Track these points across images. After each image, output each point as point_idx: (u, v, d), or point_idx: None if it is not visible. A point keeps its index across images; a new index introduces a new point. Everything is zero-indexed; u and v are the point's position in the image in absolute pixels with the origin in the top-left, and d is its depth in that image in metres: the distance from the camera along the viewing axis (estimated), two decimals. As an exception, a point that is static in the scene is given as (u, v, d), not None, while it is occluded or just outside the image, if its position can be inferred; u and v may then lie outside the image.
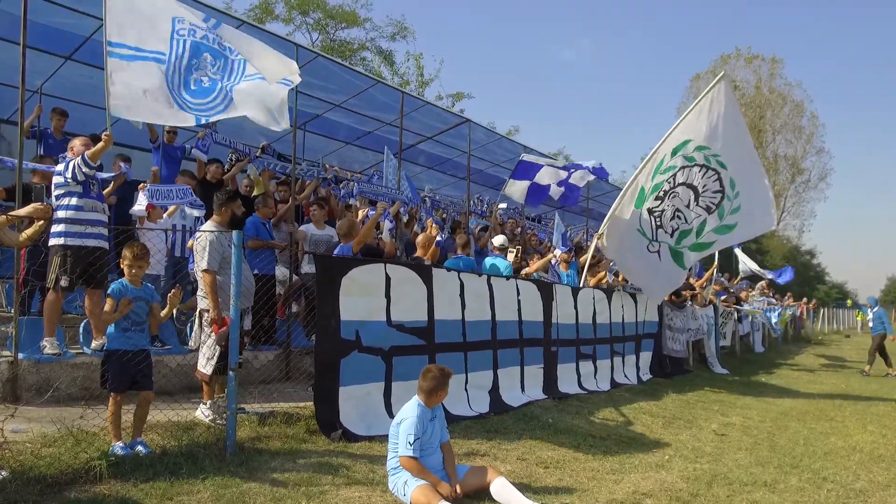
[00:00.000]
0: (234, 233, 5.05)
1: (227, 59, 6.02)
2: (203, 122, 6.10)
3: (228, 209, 6.25)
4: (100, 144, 6.00)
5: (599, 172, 12.58)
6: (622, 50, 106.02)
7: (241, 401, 6.41)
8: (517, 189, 12.47)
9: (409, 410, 4.48)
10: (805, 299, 33.86)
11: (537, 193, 12.48)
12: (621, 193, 10.95)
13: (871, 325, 16.87)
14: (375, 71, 29.66)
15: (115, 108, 5.60)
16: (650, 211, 10.68)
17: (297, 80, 6.21)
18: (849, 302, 60.02)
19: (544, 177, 12.33)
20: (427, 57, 56.41)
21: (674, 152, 10.47)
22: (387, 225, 8.42)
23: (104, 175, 7.48)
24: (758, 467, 6.30)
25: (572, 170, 12.44)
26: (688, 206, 10.60)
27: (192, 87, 5.96)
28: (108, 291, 4.73)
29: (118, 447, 4.57)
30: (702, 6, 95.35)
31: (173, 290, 4.94)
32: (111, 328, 4.72)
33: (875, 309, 16.81)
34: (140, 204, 7.61)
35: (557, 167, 12.51)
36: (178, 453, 4.67)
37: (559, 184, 12.33)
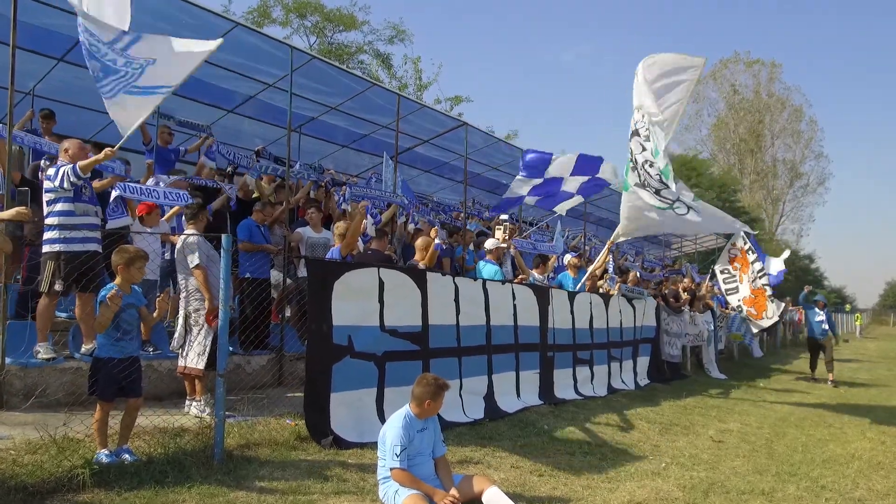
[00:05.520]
0: (224, 237, 4.97)
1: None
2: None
3: (203, 217, 6.71)
4: (96, 157, 5.95)
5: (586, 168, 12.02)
6: (622, 54, 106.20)
7: (230, 407, 6.36)
8: (520, 186, 12.01)
9: (395, 420, 4.40)
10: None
11: (550, 189, 11.98)
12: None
13: None
14: (373, 74, 29.59)
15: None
16: (640, 185, 9.65)
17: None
18: (847, 307, 59.94)
19: (556, 170, 11.82)
20: (425, 61, 56.31)
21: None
22: (369, 220, 8.35)
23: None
24: (755, 475, 6.22)
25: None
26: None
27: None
28: (99, 299, 4.60)
29: (103, 455, 4.48)
30: (702, 10, 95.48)
31: (162, 294, 4.85)
32: (101, 337, 4.61)
33: None
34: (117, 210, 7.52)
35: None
36: (164, 461, 4.58)
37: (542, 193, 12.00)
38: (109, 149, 5.99)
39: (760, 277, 15.05)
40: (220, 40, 5.62)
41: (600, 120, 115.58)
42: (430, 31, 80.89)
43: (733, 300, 15.52)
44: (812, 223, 70.84)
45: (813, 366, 15.33)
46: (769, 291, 15.17)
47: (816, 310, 15.02)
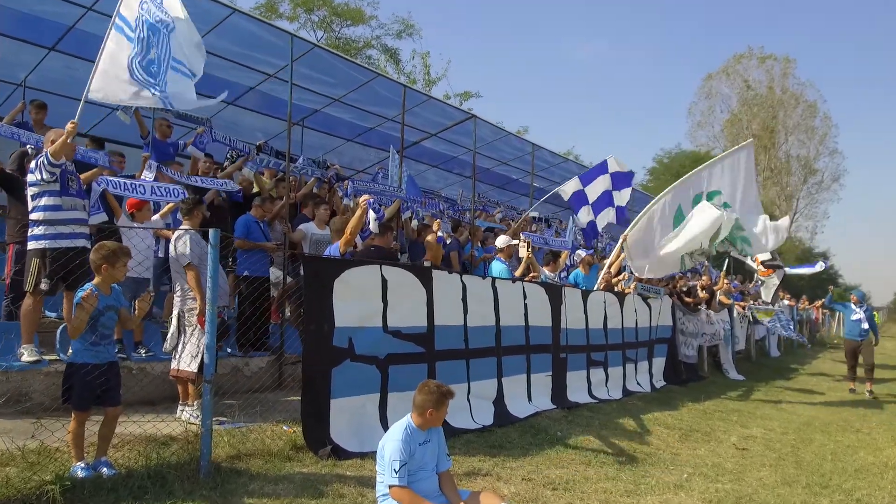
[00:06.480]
0: (211, 231, 4.60)
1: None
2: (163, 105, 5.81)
3: (198, 213, 6.41)
4: (61, 139, 5.56)
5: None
6: (634, 50, 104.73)
7: (223, 412, 6.02)
8: (569, 188, 12.26)
9: (395, 432, 3.99)
10: (820, 301, 33.05)
11: (579, 199, 12.29)
12: (648, 207, 10.85)
13: None
14: (381, 69, 29.26)
15: (93, 91, 5.76)
16: (691, 255, 10.86)
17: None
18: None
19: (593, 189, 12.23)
20: (434, 56, 55.79)
21: (709, 197, 10.83)
22: (371, 215, 7.96)
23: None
24: (784, 487, 5.80)
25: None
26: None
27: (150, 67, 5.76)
28: (76, 301, 4.24)
29: (79, 468, 4.12)
30: (715, 5, 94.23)
31: (142, 295, 4.48)
32: (76, 341, 4.24)
33: None
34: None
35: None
36: (144, 475, 4.21)
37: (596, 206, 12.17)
38: (71, 122, 5.59)
39: None
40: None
41: (611, 119, 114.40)
42: (438, 26, 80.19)
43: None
44: (826, 220, 69.46)
45: (851, 375, 13.14)
46: None
47: (853, 307, 13.04)
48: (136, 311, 4.50)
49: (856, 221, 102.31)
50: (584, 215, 12.20)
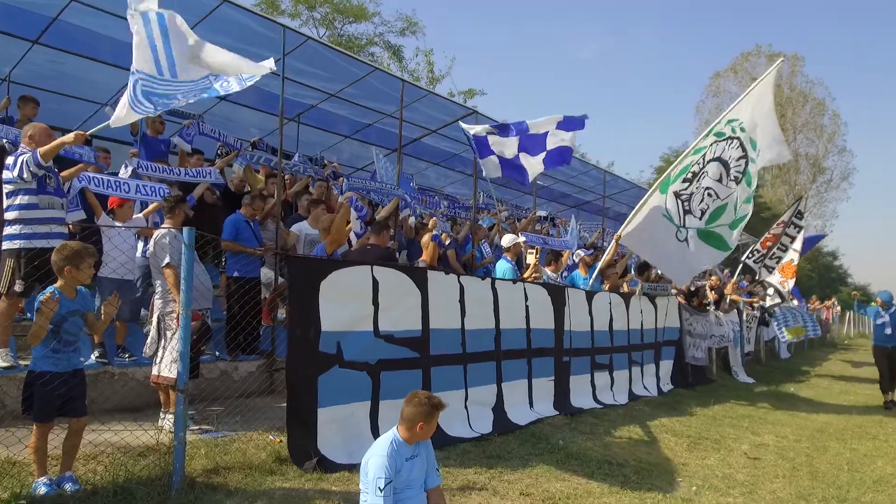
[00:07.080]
0: (186, 230, 4.31)
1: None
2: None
3: (180, 212, 6.10)
4: (59, 140, 5.31)
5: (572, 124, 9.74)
6: (641, 48, 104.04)
7: (207, 419, 5.74)
8: (490, 165, 9.75)
9: (380, 447, 3.67)
10: (833, 300, 32.58)
11: (512, 166, 9.82)
12: (649, 192, 10.21)
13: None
14: (384, 66, 28.98)
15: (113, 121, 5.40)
16: (677, 194, 9.99)
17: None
18: (873, 304, 58.29)
19: (504, 149, 9.68)
20: (438, 54, 55.55)
21: (706, 135, 10.10)
22: (353, 214, 7.64)
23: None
24: (800, 501, 5.48)
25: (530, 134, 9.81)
26: (720, 181, 10.00)
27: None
28: (36, 306, 3.93)
29: (41, 484, 3.82)
30: (721, 4, 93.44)
31: (109, 298, 4.17)
32: (37, 349, 3.94)
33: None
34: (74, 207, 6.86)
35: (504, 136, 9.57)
36: (111, 492, 3.90)
37: (526, 150, 10.20)
38: (80, 132, 5.34)
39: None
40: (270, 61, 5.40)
41: (617, 118, 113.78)
42: (442, 25, 79.75)
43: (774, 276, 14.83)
44: (835, 219, 68.64)
45: (884, 386, 11.42)
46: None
47: (879, 310, 11.63)
48: (103, 316, 4.19)
49: (866, 220, 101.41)
50: (530, 164, 9.52)
